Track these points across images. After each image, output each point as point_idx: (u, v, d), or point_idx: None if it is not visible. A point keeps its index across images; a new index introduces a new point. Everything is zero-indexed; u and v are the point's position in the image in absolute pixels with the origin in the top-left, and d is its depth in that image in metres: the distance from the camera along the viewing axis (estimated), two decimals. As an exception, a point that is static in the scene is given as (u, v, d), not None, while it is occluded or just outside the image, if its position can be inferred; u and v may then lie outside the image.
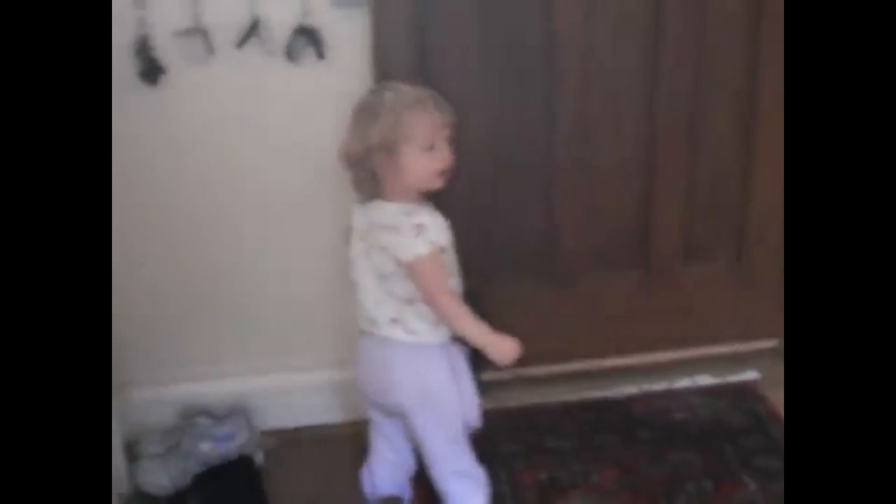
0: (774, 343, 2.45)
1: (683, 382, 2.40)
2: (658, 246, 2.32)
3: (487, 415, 2.10)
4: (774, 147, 2.23)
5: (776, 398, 2.32)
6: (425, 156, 1.75)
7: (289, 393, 2.25)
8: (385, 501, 1.95)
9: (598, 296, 2.35)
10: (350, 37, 1.97)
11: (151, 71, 1.92)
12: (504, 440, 2.20)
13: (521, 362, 2.21)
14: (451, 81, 1.95)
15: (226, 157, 2.05)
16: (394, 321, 1.82)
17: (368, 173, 1.76)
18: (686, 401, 2.33)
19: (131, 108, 1.95)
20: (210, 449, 2.09)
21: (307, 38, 1.94)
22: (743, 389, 2.37)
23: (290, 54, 1.96)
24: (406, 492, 2.00)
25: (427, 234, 1.73)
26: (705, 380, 2.40)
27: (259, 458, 2.14)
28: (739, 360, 2.45)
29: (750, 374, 2.42)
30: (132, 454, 2.10)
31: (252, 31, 1.93)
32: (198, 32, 1.92)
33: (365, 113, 1.76)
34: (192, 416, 2.13)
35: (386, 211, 1.77)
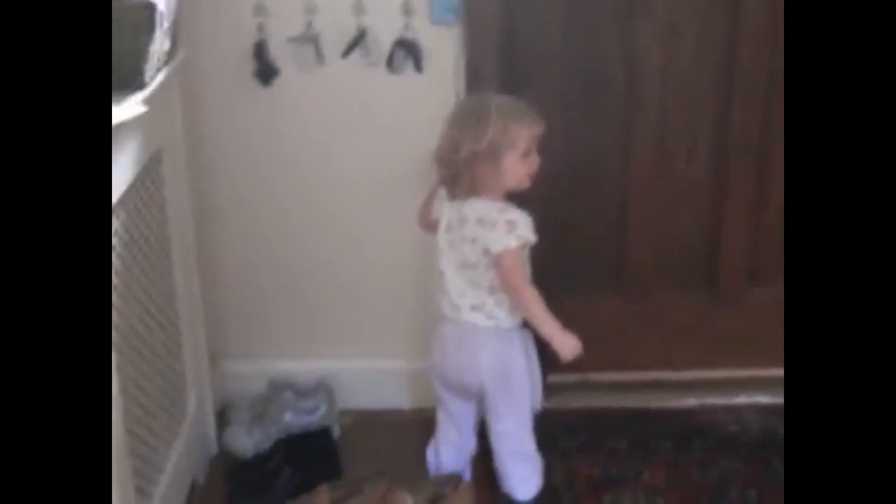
0: (835, 370, 2.53)
1: (741, 399, 2.50)
2: (726, 267, 2.44)
3: (551, 413, 2.26)
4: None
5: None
6: (522, 161, 1.94)
7: (366, 376, 2.43)
8: (448, 477, 2.11)
9: (665, 311, 2.47)
10: (444, 51, 2.16)
11: (266, 72, 2.14)
12: (564, 437, 2.34)
13: (587, 367, 2.38)
14: (534, 95, 2.11)
15: (326, 155, 2.25)
16: (475, 308, 1.99)
17: (463, 173, 1.94)
18: (742, 416, 2.43)
19: (246, 105, 2.19)
20: (292, 419, 2.28)
21: (406, 50, 2.14)
22: (799, 411, 2.46)
23: (391, 65, 2.16)
24: (467, 471, 2.16)
25: (517, 230, 1.91)
26: (763, 398, 2.50)
27: (336, 431, 2.32)
28: (800, 384, 2.53)
29: (808, 398, 2.50)
30: (222, 420, 2.31)
31: (357, 41, 2.14)
32: (309, 40, 2.13)
33: (473, 118, 1.92)
34: (279, 389, 2.33)
35: (480, 207, 1.94)
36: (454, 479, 2.10)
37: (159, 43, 1.68)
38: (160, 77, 1.73)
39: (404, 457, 2.25)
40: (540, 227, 1.96)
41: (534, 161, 1.96)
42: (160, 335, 1.93)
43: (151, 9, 1.62)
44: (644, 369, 2.53)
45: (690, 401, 2.49)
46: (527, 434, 2.09)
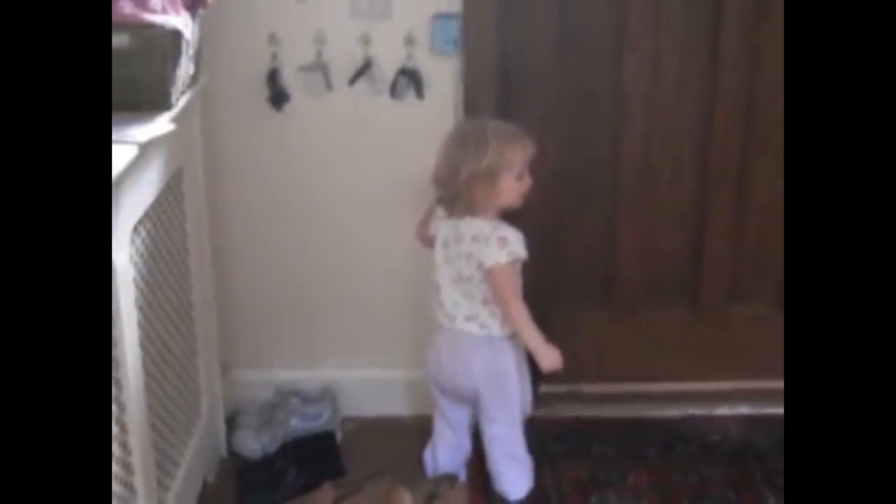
0: (811, 383, 2.67)
1: (723, 410, 2.64)
2: (707, 285, 2.59)
3: (541, 421, 2.41)
4: (817, 199, 2.49)
5: (808, 432, 2.54)
6: (517, 182, 2.09)
7: (367, 385, 2.57)
8: (444, 477, 2.25)
9: (650, 325, 2.62)
10: (444, 79, 2.32)
11: (279, 97, 2.30)
12: (553, 443, 2.47)
13: (576, 379, 2.52)
14: (527, 120, 2.26)
15: (332, 175, 2.40)
16: (469, 318, 2.13)
17: (462, 193, 2.08)
18: (723, 426, 2.57)
19: (260, 128, 2.34)
20: (298, 424, 2.42)
21: (409, 78, 2.30)
22: (776, 421, 2.59)
23: (394, 92, 2.31)
24: (462, 472, 2.30)
25: (509, 246, 2.06)
26: (743, 409, 2.64)
27: (339, 435, 2.46)
28: (775, 396, 2.66)
29: (782, 409, 2.64)
30: (231, 424, 2.45)
31: (363, 70, 2.29)
32: (319, 68, 2.29)
33: (472, 142, 2.06)
34: (286, 396, 2.47)
35: (475, 224, 2.09)
36: (450, 479, 2.23)
37: (184, 68, 1.83)
38: (184, 100, 1.89)
39: (403, 460, 2.37)
40: (532, 245, 2.11)
41: (526, 182, 2.12)
42: (179, 342, 2.07)
43: (178, 36, 1.77)
44: (630, 381, 2.67)
45: (673, 411, 2.63)
46: (518, 437, 2.23)
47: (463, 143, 2.08)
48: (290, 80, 2.30)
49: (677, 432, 2.54)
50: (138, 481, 1.73)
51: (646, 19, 2.34)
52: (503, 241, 2.06)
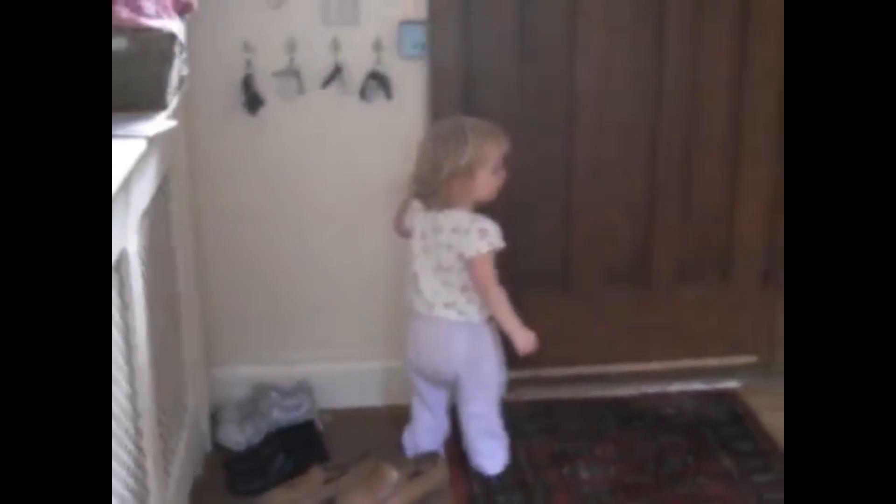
0: (755, 358, 2.87)
1: (676, 387, 2.81)
2: (657, 268, 2.76)
3: (510, 405, 2.54)
4: (757, 185, 2.69)
5: (754, 403, 2.73)
6: (493, 176, 2.23)
7: (342, 378, 2.67)
8: (425, 456, 2.37)
9: (605, 309, 2.78)
10: (412, 81, 2.46)
11: (253, 102, 2.41)
12: (524, 423, 2.61)
13: (537, 363, 2.67)
14: (489, 119, 2.39)
15: (306, 174, 2.52)
16: (448, 305, 2.27)
17: (441, 188, 2.20)
18: (677, 400, 2.75)
19: (236, 130, 2.44)
20: (279, 415, 2.52)
21: (378, 81, 2.43)
22: (726, 394, 2.78)
23: (364, 94, 2.44)
24: (441, 450, 2.42)
25: (489, 237, 2.20)
26: (695, 385, 2.82)
27: (320, 423, 2.56)
28: (725, 372, 2.86)
29: (732, 384, 2.83)
30: (214, 420, 2.53)
31: (334, 74, 2.42)
32: (292, 74, 2.41)
33: (452, 139, 2.19)
34: (265, 391, 2.56)
35: (454, 217, 2.22)
36: (432, 457, 2.37)
37: (177, 69, 1.93)
38: (175, 100, 1.98)
39: (381, 446, 2.47)
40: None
41: (502, 175, 2.26)
42: (169, 337, 2.16)
43: (173, 39, 1.87)
44: (588, 363, 2.82)
45: (630, 390, 2.80)
46: (495, 414, 2.37)
47: (443, 142, 2.20)
48: (265, 84, 2.42)
49: (635, 408, 2.71)
50: (149, 464, 1.82)
51: (596, 24, 2.52)
52: (483, 232, 2.20)
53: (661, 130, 2.63)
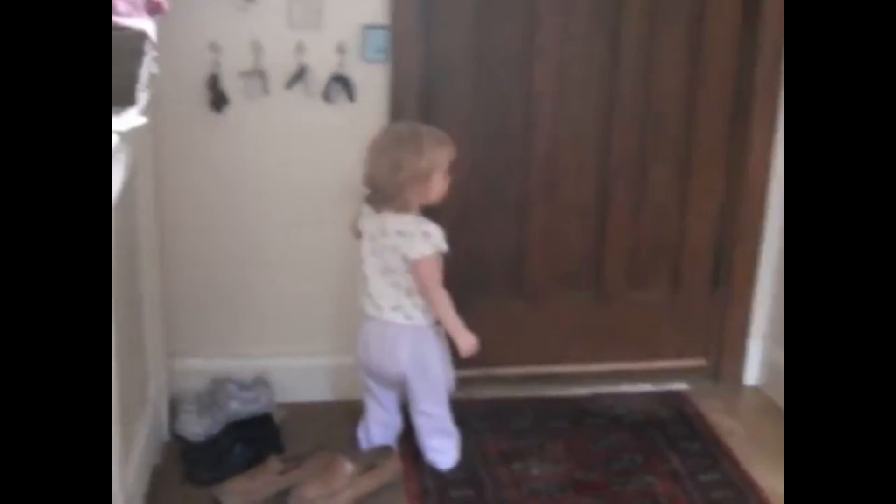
0: (703, 362, 2.96)
1: (626, 388, 2.89)
2: (608, 272, 2.85)
3: (463, 403, 2.61)
4: (707, 191, 2.80)
5: (702, 405, 2.82)
6: (443, 180, 2.30)
7: (300, 372, 2.73)
8: (379, 450, 2.43)
9: (557, 311, 2.86)
10: (373, 84, 2.52)
11: (219, 101, 2.46)
12: (475, 421, 2.67)
13: (490, 363, 2.75)
14: (448, 123, 2.48)
15: (268, 173, 2.57)
16: (395, 308, 2.33)
17: (397, 192, 2.26)
18: (627, 401, 2.83)
19: (201, 130, 2.50)
20: (238, 407, 2.56)
21: (341, 84, 2.50)
22: (674, 395, 2.87)
23: (327, 96, 2.50)
24: (394, 444, 2.49)
25: (432, 240, 2.27)
26: (645, 387, 2.90)
27: (277, 416, 2.61)
28: (674, 374, 2.95)
29: (681, 385, 2.92)
30: (172, 411, 2.58)
31: (299, 76, 2.48)
32: (257, 74, 2.47)
33: (410, 143, 2.25)
34: (222, 383, 2.61)
35: (399, 220, 2.29)
36: (386, 451, 2.43)
37: (147, 67, 1.98)
38: (144, 98, 2.03)
39: (335, 441, 2.53)
40: (450, 238, 2.33)
41: (448, 180, 2.33)
42: (131, 328, 2.21)
43: (144, 37, 1.92)
44: (540, 363, 2.90)
45: (582, 390, 2.87)
46: (445, 413, 2.44)
47: (402, 145, 2.26)
48: (230, 84, 2.47)
49: (586, 408, 2.79)
50: (114, 455, 1.86)
51: (553, 32, 2.60)
52: (427, 235, 2.27)
53: (614, 136, 2.72)
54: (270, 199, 2.60)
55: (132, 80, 1.92)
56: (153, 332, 2.42)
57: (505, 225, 2.77)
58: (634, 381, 2.91)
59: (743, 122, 2.71)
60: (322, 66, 2.49)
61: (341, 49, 2.48)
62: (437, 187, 2.31)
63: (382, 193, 2.29)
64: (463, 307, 2.49)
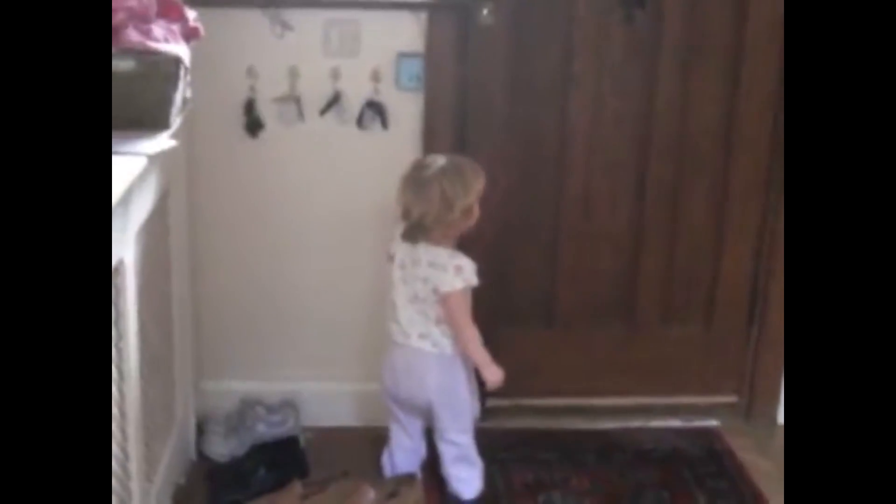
0: (734, 398, 2.92)
1: (655, 423, 2.86)
2: (641, 306, 2.82)
3: (490, 432, 2.61)
4: (743, 228, 2.77)
5: (732, 442, 2.78)
6: (478, 210, 2.30)
7: (328, 397, 2.74)
8: (403, 477, 2.42)
9: (588, 343, 2.84)
10: (407, 112, 2.54)
11: (254, 126, 2.49)
12: (501, 451, 2.66)
13: (519, 393, 2.74)
14: (482, 151, 2.49)
15: (301, 198, 2.59)
16: (422, 336, 2.33)
17: (435, 226, 2.24)
18: (656, 436, 2.80)
19: (236, 154, 2.53)
20: (264, 430, 2.58)
21: (375, 111, 2.52)
22: (704, 432, 2.83)
23: (361, 123, 2.53)
24: (418, 472, 2.48)
25: (464, 274, 2.27)
26: (674, 422, 2.87)
27: (303, 440, 2.62)
28: (705, 411, 2.91)
29: (711, 422, 2.88)
30: (200, 431, 2.60)
31: (333, 102, 2.50)
32: (292, 100, 2.50)
33: (459, 178, 2.23)
34: (251, 405, 2.63)
35: (433, 252, 2.28)
36: (409, 479, 2.41)
37: (181, 91, 2.02)
38: (178, 121, 2.07)
39: (360, 466, 2.53)
40: (482, 268, 2.31)
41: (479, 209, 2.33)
42: (162, 348, 2.23)
43: (179, 62, 1.96)
44: (569, 395, 2.88)
45: (610, 423, 2.84)
46: (470, 442, 2.43)
47: (446, 180, 2.23)
48: (266, 109, 2.50)
49: (614, 442, 2.76)
50: (132, 468, 1.88)
51: (589, 64, 2.60)
52: (459, 269, 2.27)
53: (649, 170, 2.70)
54: (302, 224, 2.62)
55: (165, 103, 1.95)
56: (183, 352, 2.44)
57: (537, 255, 2.76)
58: (664, 416, 2.88)
59: (780, 156, 2.68)
60: (356, 93, 2.51)
61: (376, 76, 2.50)
62: (474, 218, 2.31)
63: (422, 227, 2.27)
64: (493, 337, 2.49)
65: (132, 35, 1.91)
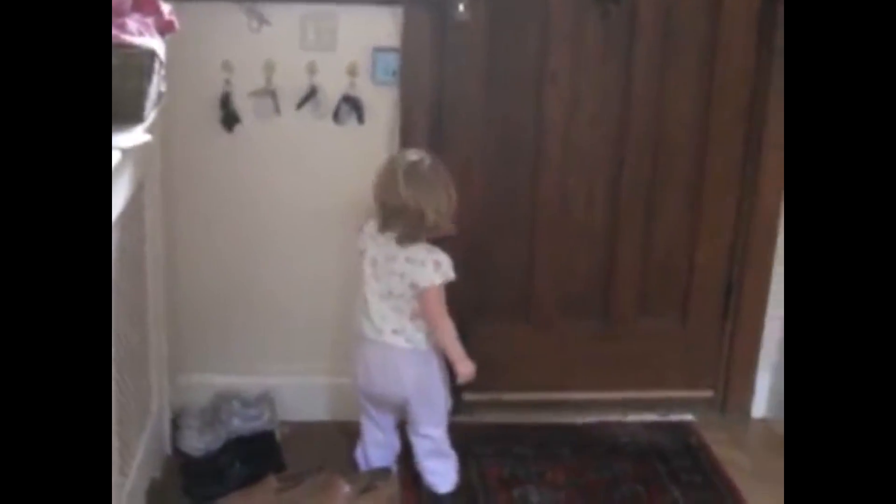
0: (710, 393, 2.94)
1: (631, 417, 2.88)
2: (617, 300, 2.84)
3: (466, 426, 2.61)
4: (718, 222, 2.78)
5: (707, 437, 2.80)
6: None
7: (304, 391, 2.74)
8: (378, 471, 2.43)
9: (564, 338, 2.85)
10: (383, 107, 2.54)
11: (230, 120, 2.49)
12: (477, 444, 2.67)
13: (495, 388, 2.74)
14: (458, 146, 2.50)
15: (276, 193, 2.59)
16: (396, 332, 2.33)
17: (429, 225, 2.24)
18: (632, 430, 2.81)
19: (211, 148, 2.52)
20: (240, 424, 2.58)
21: (351, 105, 2.51)
22: (680, 426, 2.85)
23: (337, 117, 2.52)
24: (393, 466, 2.48)
25: (442, 269, 2.27)
26: (650, 417, 2.88)
27: (279, 434, 2.62)
28: (680, 405, 2.93)
29: (687, 416, 2.90)
30: (175, 425, 2.59)
31: (309, 96, 2.50)
32: (268, 94, 2.49)
33: (440, 182, 2.25)
34: (226, 399, 2.62)
35: (412, 248, 2.29)
36: (384, 473, 2.42)
37: (156, 85, 2.01)
38: (153, 115, 2.06)
39: (338, 460, 2.53)
40: (459, 263, 2.32)
41: None
42: (136, 341, 2.22)
43: (153, 56, 1.95)
44: (546, 390, 2.89)
45: (586, 418, 2.86)
46: (444, 436, 2.43)
47: (441, 179, 2.27)
48: (242, 103, 2.49)
49: (589, 436, 2.77)
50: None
51: (565, 58, 2.60)
52: (437, 264, 2.27)
53: (625, 164, 2.71)
54: (277, 218, 2.61)
55: (140, 97, 1.94)
56: (157, 346, 2.43)
57: (513, 250, 2.77)
58: (640, 410, 2.89)
59: (755, 152, 2.70)
60: (333, 88, 2.51)
61: (352, 71, 2.50)
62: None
63: (391, 220, 2.29)
64: (469, 331, 2.50)
65: (106, 28, 1.89)
